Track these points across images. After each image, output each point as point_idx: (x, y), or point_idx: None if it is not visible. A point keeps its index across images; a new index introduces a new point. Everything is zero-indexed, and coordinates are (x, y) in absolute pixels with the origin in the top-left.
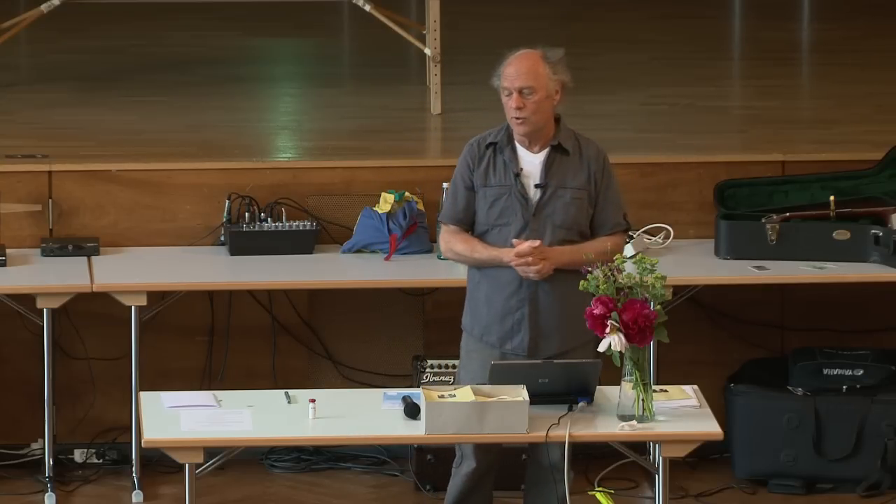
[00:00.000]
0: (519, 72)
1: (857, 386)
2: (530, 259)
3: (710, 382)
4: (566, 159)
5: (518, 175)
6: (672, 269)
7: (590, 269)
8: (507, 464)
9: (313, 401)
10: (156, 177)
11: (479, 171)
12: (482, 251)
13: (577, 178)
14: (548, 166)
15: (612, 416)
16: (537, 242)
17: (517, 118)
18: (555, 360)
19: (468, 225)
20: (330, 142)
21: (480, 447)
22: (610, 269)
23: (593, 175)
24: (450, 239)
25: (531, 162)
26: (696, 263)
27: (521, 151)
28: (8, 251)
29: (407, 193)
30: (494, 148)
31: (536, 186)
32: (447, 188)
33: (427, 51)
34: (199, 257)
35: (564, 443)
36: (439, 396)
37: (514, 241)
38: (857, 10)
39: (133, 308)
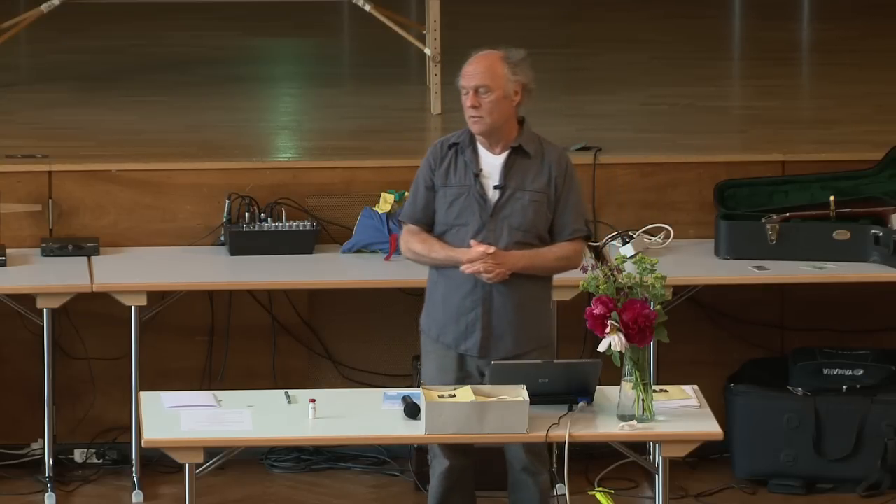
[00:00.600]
0: (476, 71)
1: (857, 386)
2: (481, 266)
3: (710, 382)
4: (527, 162)
5: (477, 175)
6: (672, 269)
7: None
8: (501, 463)
9: (313, 401)
10: (156, 177)
11: (440, 170)
12: (439, 251)
13: (536, 181)
14: (507, 168)
15: (612, 416)
16: (492, 249)
17: (472, 116)
18: (555, 361)
19: (427, 225)
20: (330, 142)
21: (448, 445)
22: (610, 269)
23: (554, 179)
24: (409, 239)
25: (491, 163)
26: (696, 263)
27: (483, 152)
28: (8, 251)
29: (407, 193)
30: (457, 148)
31: (495, 187)
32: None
33: (427, 51)
34: (199, 257)
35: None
36: (439, 396)
37: (472, 241)
38: (857, 10)
39: (133, 308)
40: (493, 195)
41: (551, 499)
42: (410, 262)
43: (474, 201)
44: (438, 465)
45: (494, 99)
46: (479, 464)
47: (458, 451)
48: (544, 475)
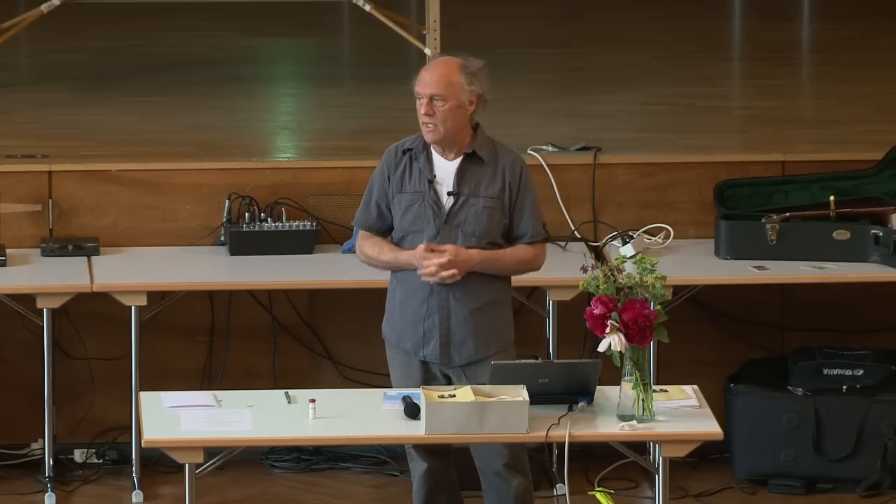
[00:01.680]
0: (432, 79)
1: (857, 386)
2: (439, 271)
3: (710, 382)
4: (480, 168)
5: (431, 182)
6: (672, 269)
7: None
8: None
9: (313, 401)
10: (156, 177)
11: (395, 177)
12: (388, 253)
13: (490, 186)
14: (461, 174)
15: (612, 416)
16: (445, 257)
17: (426, 124)
18: (555, 361)
19: (379, 232)
20: (330, 142)
21: (422, 446)
22: (610, 269)
23: (508, 184)
24: (362, 244)
25: (445, 169)
26: (696, 263)
27: (437, 159)
28: (8, 251)
29: None
30: (411, 154)
31: (449, 194)
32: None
33: (427, 51)
34: (199, 257)
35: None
36: (439, 396)
37: (423, 245)
38: (857, 10)
39: (133, 308)
40: (447, 202)
41: (534, 501)
42: None
43: (428, 208)
44: (417, 468)
45: (448, 108)
46: (464, 464)
47: (433, 452)
48: (519, 480)
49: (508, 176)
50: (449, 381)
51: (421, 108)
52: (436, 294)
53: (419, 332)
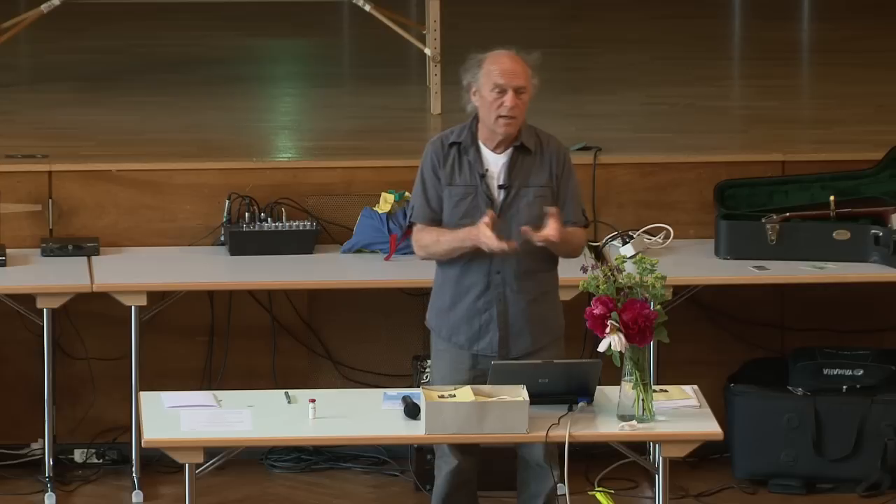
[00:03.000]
0: (516, 71)
1: (857, 386)
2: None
3: (710, 382)
4: (528, 159)
5: (483, 176)
6: (672, 269)
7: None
8: (503, 463)
9: (313, 401)
10: (156, 177)
11: (444, 169)
12: (447, 235)
13: (539, 176)
14: (511, 167)
15: (612, 416)
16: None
17: (505, 116)
18: (555, 361)
19: (438, 225)
20: (330, 142)
21: (457, 445)
22: (610, 269)
23: (554, 172)
24: (419, 236)
25: (494, 162)
26: (696, 263)
27: (485, 152)
28: (8, 251)
29: (407, 193)
30: (458, 148)
31: (500, 187)
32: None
33: (427, 51)
34: (199, 257)
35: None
36: (439, 396)
37: (487, 217)
38: (857, 10)
39: (133, 308)
40: (498, 195)
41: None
42: (411, 262)
43: (481, 201)
44: (445, 465)
45: (526, 100)
46: (480, 464)
47: (466, 451)
48: (557, 471)
49: (555, 164)
50: None
51: (504, 99)
52: (493, 287)
53: (475, 326)
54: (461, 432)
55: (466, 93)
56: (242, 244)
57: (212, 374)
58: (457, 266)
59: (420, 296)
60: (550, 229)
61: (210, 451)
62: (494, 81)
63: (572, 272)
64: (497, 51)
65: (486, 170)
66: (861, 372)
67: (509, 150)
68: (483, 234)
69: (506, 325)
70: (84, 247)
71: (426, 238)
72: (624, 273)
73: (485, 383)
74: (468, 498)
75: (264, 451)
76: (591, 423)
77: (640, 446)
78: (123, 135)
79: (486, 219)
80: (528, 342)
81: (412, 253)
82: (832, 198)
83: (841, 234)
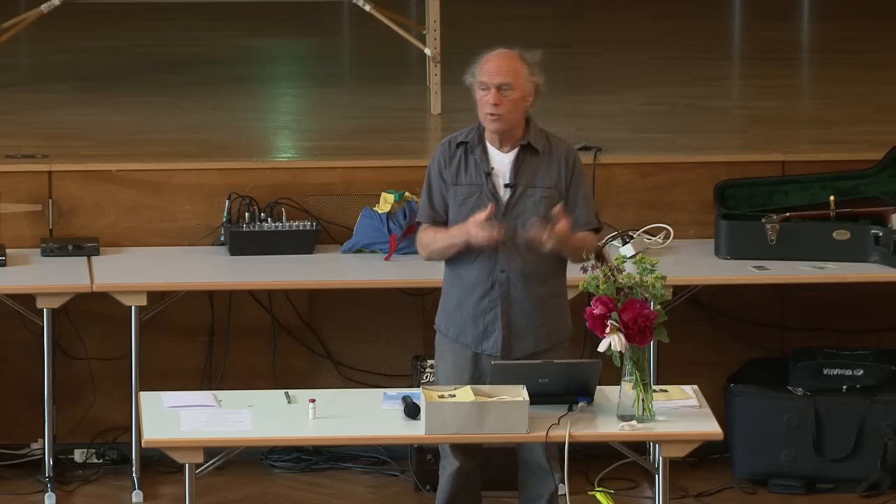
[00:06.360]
0: (499, 68)
1: (857, 386)
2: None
3: (710, 382)
4: (536, 159)
5: (489, 174)
6: (672, 269)
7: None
8: (504, 464)
9: (313, 401)
10: (156, 177)
11: (450, 169)
12: (441, 234)
13: (546, 177)
14: (517, 166)
15: (612, 416)
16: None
17: (492, 114)
18: (555, 361)
19: (443, 224)
20: (330, 142)
21: (458, 446)
22: (610, 269)
23: (563, 174)
24: (420, 236)
25: (501, 161)
26: (696, 263)
27: (492, 151)
28: (8, 251)
29: (407, 193)
30: (465, 147)
31: (506, 186)
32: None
33: (427, 51)
34: (199, 257)
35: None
36: (439, 396)
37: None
38: (857, 10)
39: (133, 308)
40: (504, 194)
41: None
42: (411, 262)
43: (486, 200)
44: (449, 466)
45: (515, 98)
46: (483, 464)
47: (467, 452)
48: (558, 474)
49: (563, 165)
50: None
51: (488, 97)
52: (497, 287)
53: (480, 326)
54: (461, 432)
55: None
56: (242, 244)
57: (212, 374)
58: (463, 265)
59: (420, 296)
60: (560, 224)
61: (210, 451)
62: (480, 79)
63: (572, 272)
64: (495, 50)
65: (492, 168)
66: (861, 372)
67: (516, 150)
68: (472, 228)
69: (509, 325)
70: (84, 247)
71: (426, 237)
72: (624, 273)
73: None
74: (471, 499)
75: (264, 451)
76: (591, 423)
77: (640, 446)
78: (123, 135)
79: (480, 214)
80: (531, 344)
81: (412, 253)
82: (832, 198)
83: (841, 234)
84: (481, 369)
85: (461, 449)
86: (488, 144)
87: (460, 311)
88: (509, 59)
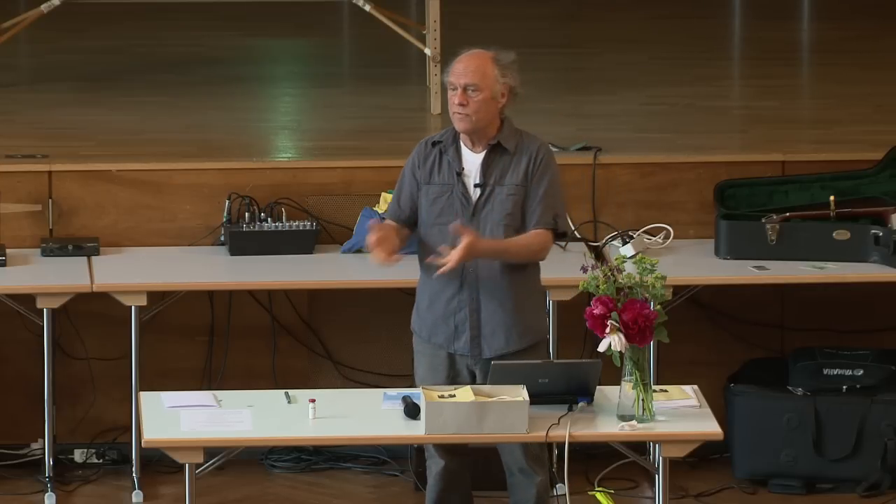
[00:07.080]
0: (467, 69)
1: (857, 386)
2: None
3: (710, 382)
4: (505, 158)
5: (460, 174)
6: (672, 269)
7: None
8: (498, 463)
9: (313, 401)
10: (156, 177)
11: (424, 168)
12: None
13: (514, 175)
14: (486, 166)
15: (612, 416)
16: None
17: (458, 114)
18: (554, 361)
19: (405, 222)
20: (330, 142)
21: (442, 445)
22: (610, 269)
23: (530, 172)
24: None
25: (473, 162)
26: (696, 263)
27: (465, 151)
28: (8, 251)
29: None
30: (440, 147)
31: (475, 186)
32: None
33: (427, 51)
34: (199, 257)
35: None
36: (439, 396)
37: (452, 226)
38: (857, 10)
39: (133, 308)
40: (474, 193)
41: (550, 499)
42: (411, 262)
43: (456, 200)
44: (434, 466)
45: (482, 99)
46: (476, 464)
47: (453, 452)
48: (541, 477)
49: (530, 163)
50: (473, 378)
51: (455, 97)
52: (466, 288)
53: (451, 326)
54: (461, 432)
55: None
56: (242, 244)
57: (212, 374)
58: (433, 266)
59: None
60: (448, 257)
61: (210, 451)
62: (448, 79)
63: (572, 272)
64: (469, 50)
65: (463, 168)
66: (861, 372)
67: (486, 149)
68: (370, 240)
69: (478, 325)
70: (84, 247)
71: None
72: (624, 273)
73: (463, 383)
74: (461, 498)
75: (264, 451)
76: (591, 423)
77: (640, 446)
78: (123, 135)
79: (373, 237)
80: (501, 343)
81: (412, 253)
82: (832, 198)
83: (841, 234)
84: (457, 369)
85: (445, 447)
86: (462, 145)
87: (431, 311)
88: (478, 60)
